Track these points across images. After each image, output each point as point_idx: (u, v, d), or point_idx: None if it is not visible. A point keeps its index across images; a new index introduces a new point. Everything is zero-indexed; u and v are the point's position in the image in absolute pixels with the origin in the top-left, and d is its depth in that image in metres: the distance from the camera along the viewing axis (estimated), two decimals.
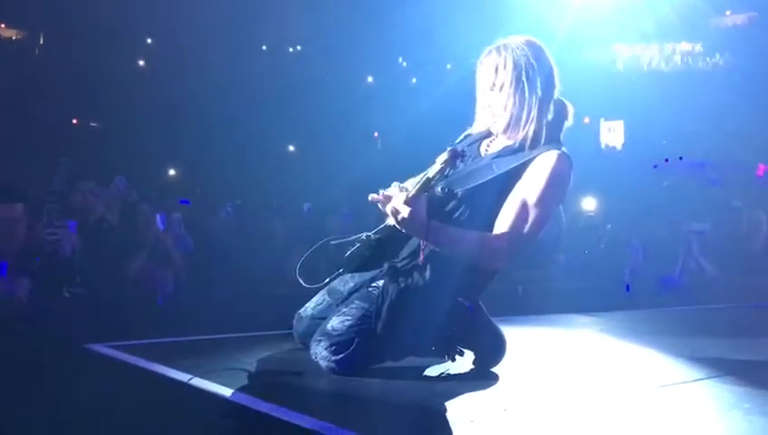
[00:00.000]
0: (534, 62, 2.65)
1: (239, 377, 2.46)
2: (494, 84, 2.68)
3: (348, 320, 2.56)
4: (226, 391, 2.26)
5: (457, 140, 2.97)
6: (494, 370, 2.68)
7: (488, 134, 2.82)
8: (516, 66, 2.64)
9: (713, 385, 2.52)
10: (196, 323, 3.62)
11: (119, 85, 14.09)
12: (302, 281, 2.78)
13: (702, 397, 2.40)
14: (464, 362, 2.67)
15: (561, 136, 2.70)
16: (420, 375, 2.61)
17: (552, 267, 6.97)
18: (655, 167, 11.52)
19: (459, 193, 2.62)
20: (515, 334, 3.04)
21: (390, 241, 2.69)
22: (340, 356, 2.53)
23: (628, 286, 6.39)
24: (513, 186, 2.59)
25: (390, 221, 2.57)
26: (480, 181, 2.61)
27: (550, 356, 3.14)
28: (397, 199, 2.44)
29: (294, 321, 2.86)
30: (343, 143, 14.75)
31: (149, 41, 17.21)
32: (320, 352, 2.57)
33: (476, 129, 2.87)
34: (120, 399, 2.26)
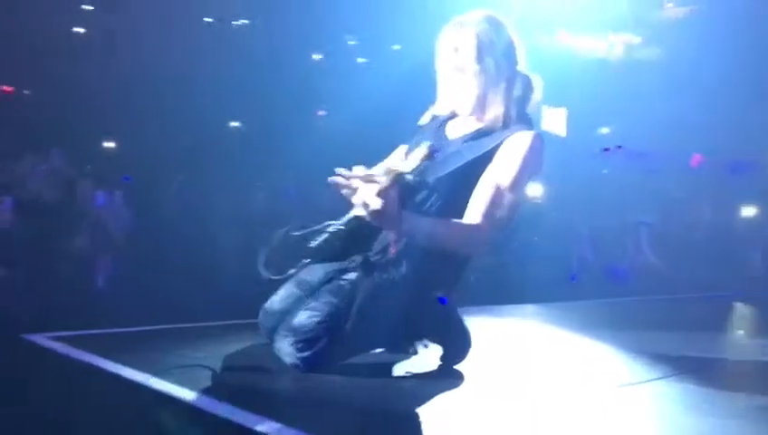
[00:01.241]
0: (495, 39, 2.56)
1: (195, 375, 2.31)
2: (456, 65, 2.58)
3: (316, 316, 2.43)
4: (182, 392, 2.11)
5: (421, 121, 2.86)
6: (458, 367, 2.60)
7: (453, 115, 2.72)
8: (475, 45, 2.54)
9: (670, 385, 2.49)
10: (144, 311, 3.42)
11: (55, 52, 13.49)
12: (264, 273, 2.63)
13: (661, 397, 2.35)
14: (429, 358, 2.59)
15: (528, 110, 2.63)
16: (386, 373, 2.51)
17: (502, 256, 6.94)
18: (606, 150, 11.64)
19: (431, 181, 2.51)
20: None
21: (359, 231, 2.56)
22: (306, 354, 2.41)
23: (574, 276, 6.41)
24: (485, 167, 2.50)
25: (359, 212, 2.44)
26: (452, 168, 2.52)
27: (504, 352, 3.06)
28: (367, 191, 2.30)
29: (261, 315, 2.70)
30: (289, 120, 14.50)
31: (89, 8, 16.53)
32: (284, 347, 2.44)
33: (440, 110, 2.77)
34: (66, 400, 2.09)
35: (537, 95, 2.65)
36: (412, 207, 2.45)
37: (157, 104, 13.73)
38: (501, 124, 2.55)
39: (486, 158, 2.51)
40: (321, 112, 16.99)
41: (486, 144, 2.53)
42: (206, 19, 17.21)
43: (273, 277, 2.63)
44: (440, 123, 2.76)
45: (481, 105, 2.58)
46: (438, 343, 2.60)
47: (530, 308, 4.52)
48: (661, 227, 7.43)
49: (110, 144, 14.33)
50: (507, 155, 2.49)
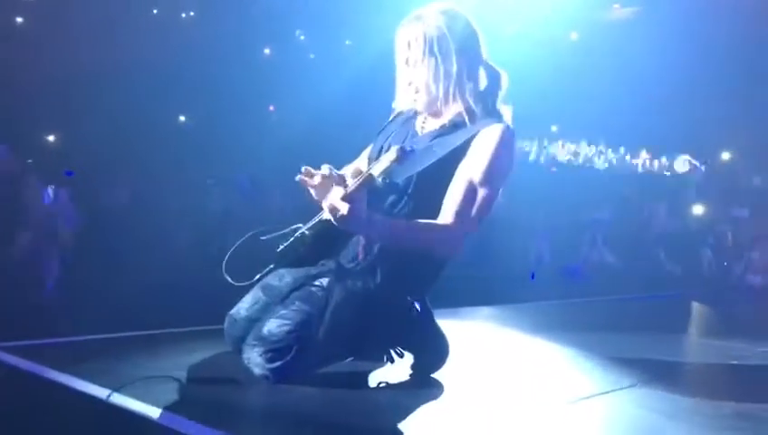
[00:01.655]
0: (447, 33, 2.45)
1: (160, 388, 2.17)
2: (407, 59, 2.50)
3: (286, 324, 2.32)
4: (147, 409, 1.98)
5: (390, 119, 2.77)
6: (434, 376, 2.52)
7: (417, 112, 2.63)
8: (427, 39, 2.45)
9: (635, 395, 2.45)
10: (98, 318, 3.23)
11: None
12: (229, 278, 2.50)
13: (628, 409, 2.31)
14: (403, 367, 2.50)
15: (498, 104, 2.53)
16: (360, 384, 2.42)
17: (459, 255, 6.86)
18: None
19: (401, 183, 2.42)
20: None
21: (326, 235, 2.45)
22: (276, 365, 2.30)
23: (533, 274, 6.40)
24: (458, 166, 2.40)
25: (326, 215, 2.33)
26: (422, 167, 2.41)
27: (472, 360, 2.91)
28: (333, 195, 2.17)
29: (226, 324, 2.58)
30: (239, 115, 14.28)
31: None
32: (253, 358, 2.33)
33: (400, 106, 2.68)
34: (18, 417, 1.94)
35: (503, 89, 2.55)
36: (382, 210, 2.36)
37: (99, 97, 13.33)
38: (466, 119, 2.45)
39: (457, 154, 2.41)
40: (271, 107, 16.78)
41: (456, 140, 2.44)
42: (154, 11, 16.82)
43: (237, 284, 2.53)
44: (406, 119, 2.67)
45: (435, 101, 2.49)
46: (414, 351, 2.51)
47: (486, 311, 4.43)
48: (614, 225, 7.49)
49: (50, 138, 13.87)
50: (479, 150, 2.40)
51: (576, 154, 15.26)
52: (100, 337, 2.88)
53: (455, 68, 2.45)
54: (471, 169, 2.39)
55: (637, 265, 6.80)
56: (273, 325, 2.34)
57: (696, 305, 5.30)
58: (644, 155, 15.09)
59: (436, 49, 2.44)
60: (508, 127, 2.44)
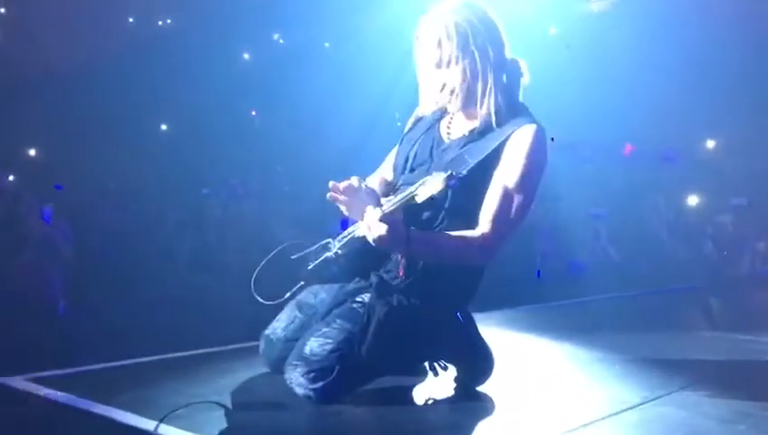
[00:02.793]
0: (480, 26, 2.36)
1: (206, 417, 2.10)
2: (440, 60, 2.37)
3: (329, 343, 2.26)
4: None
5: (407, 127, 2.70)
6: (481, 389, 2.46)
7: (441, 114, 2.54)
8: (461, 35, 2.34)
9: (686, 399, 2.39)
10: (121, 341, 3.14)
11: None
12: (259, 298, 2.43)
13: (682, 415, 2.24)
14: (446, 381, 2.44)
15: (521, 96, 2.46)
16: (406, 400, 2.36)
17: None
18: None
19: (436, 197, 2.36)
20: None
21: (360, 251, 2.38)
22: (319, 385, 2.24)
23: (539, 272, 6.35)
24: (492, 173, 2.33)
25: (359, 232, 2.27)
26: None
27: (503, 368, 2.70)
28: (370, 217, 2.12)
29: (262, 345, 2.51)
30: (220, 122, 14.17)
31: (2, 10, 15.70)
32: (295, 378, 2.27)
33: (424, 110, 2.58)
34: None
35: (526, 79, 2.47)
36: (418, 225, 2.29)
37: (77, 108, 13.16)
38: (494, 121, 2.37)
39: (491, 160, 2.34)
40: (253, 112, 16.65)
41: (488, 145, 2.36)
42: (130, 19, 16.60)
43: (267, 302, 2.46)
44: (429, 125, 2.58)
45: (473, 99, 2.39)
46: (458, 364, 2.46)
47: (499, 315, 4.25)
48: (613, 220, 7.46)
49: (31, 152, 13.65)
50: (512, 155, 2.33)
51: (560, 146, 15.32)
52: (129, 362, 2.79)
53: (489, 63, 2.36)
54: (506, 175, 2.33)
55: (639, 258, 6.76)
56: (314, 344, 2.28)
57: (711, 299, 5.26)
58: (629, 146, 15.17)
59: (471, 45, 2.34)
60: (539, 127, 2.37)
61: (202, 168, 10.97)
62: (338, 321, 2.32)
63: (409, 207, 2.18)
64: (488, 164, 2.35)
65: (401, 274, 2.32)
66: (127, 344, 3.10)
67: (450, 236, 2.31)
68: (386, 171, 2.73)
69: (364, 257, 2.38)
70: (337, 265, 2.39)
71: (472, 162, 2.36)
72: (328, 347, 2.26)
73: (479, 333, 2.52)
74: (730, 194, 8.03)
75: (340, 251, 2.38)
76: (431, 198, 2.11)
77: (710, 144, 12.60)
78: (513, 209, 2.33)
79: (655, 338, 3.56)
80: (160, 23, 17.71)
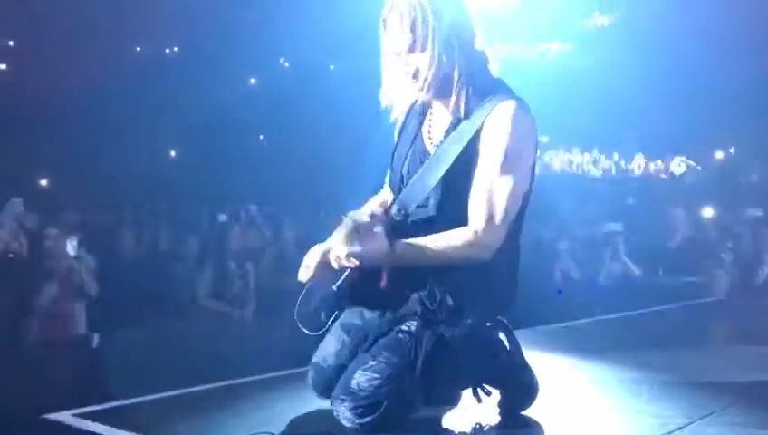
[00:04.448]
0: (452, 11, 2.27)
1: None
2: (413, 43, 2.25)
3: (376, 379, 2.23)
4: None
5: (396, 138, 2.55)
6: (526, 414, 2.47)
7: (420, 120, 2.46)
8: (434, 18, 2.23)
9: (733, 418, 2.38)
10: (157, 372, 3.16)
11: None
12: (304, 329, 2.42)
13: None
14: (489, 406, 2.43)
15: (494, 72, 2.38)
16: (457, 427, 2.36)
17: None
18: None
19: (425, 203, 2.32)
20: None
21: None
22: (367, 419, 2.22)
23: (559, 290, 6.34)
24: (475, 163, 2.25)
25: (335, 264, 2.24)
26: (434, 183, 2.29)
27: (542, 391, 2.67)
28: (336, 252, 2.18)
29: (312, 373, 2.48)
30: (229, 146, 14.29)
31: (11, 43, 15.92)
32: (342, 412, 2.25)
33: (385, 100, 2.44)
34: None
35: (494, 68, 2.39)
36: (407, 235, 2.27)
37: (92, 137, 13.29)
38: (467, 107, 2.28)
39: (470, 154, 2.26)
40: (261, 136, 16.79)
41: (460, 141, 2.27)
42: (137, 48, 16.78)
43: (312, 333, 2.44)
44: (414, 135, 2.47)
45: (444, 88, 2.29)
46: (504, 388, 2.45)
47: (525, 334, 4.24)
48: (630, 235, 7.44)
49: (44, 181, 13.76)
50: (492, 136, 2.24)
51: (570, 163, 15.34)
52: (171, 394, 2.80)
53: (462, 50, 2.27)
54: (487, 164, 2.25)
55: (660, 273, 6.74)
56: (362, 379, 2.25)
57: (736, 312, 5.23)
58: (639, 159, 15.19)
59: (445, 30, 2.24)
60: (519, 100, 2.28)
61: (214, 193, 11.02)
62: (384, 353, 2.28)
63: (398, 224, 2.26)
64: (468, 159, 2.26)
65: (384, 284, 2.26)
66: (163, 376, 3.11)
67: (440, 237, 2.25)
68: (386, 192, 2.66)
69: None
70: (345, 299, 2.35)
71: (449, 161, 2.28)
72: (375, 383, 2.23)
73: (524, 357, 2.51)
74: (744, 205, 8.02)
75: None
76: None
77: (719, 154, 12.65)
78: (503, 197, 2.24)
79: (688, 355, 3.54)
80: (168, 51, 17.93)
